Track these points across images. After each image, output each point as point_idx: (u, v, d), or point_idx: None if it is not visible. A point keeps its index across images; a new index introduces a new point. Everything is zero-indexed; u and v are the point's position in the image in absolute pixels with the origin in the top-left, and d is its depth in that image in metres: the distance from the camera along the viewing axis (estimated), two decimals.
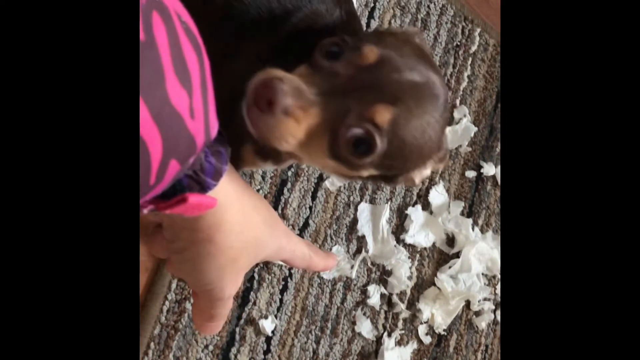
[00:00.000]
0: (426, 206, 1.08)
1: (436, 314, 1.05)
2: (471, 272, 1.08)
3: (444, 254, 1.09)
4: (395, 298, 1.02)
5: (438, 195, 1.09)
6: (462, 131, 1.12)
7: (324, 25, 0.61)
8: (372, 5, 1.07)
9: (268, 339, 0.91)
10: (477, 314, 1.11)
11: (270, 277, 0.92)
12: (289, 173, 0.95)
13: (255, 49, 0.61)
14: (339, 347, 0.97)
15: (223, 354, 0.88)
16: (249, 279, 0.90)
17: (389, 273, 1.02)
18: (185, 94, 0.34)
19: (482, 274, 1.10)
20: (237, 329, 0.89)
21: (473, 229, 1.11)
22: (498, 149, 1.18)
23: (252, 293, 0.90)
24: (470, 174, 1.14)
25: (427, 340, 1.04)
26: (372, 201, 1.03)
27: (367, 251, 1.01)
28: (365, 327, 0.99)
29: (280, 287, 0.93)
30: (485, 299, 1.10)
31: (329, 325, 0.97)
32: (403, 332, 1.03)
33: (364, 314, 1.00)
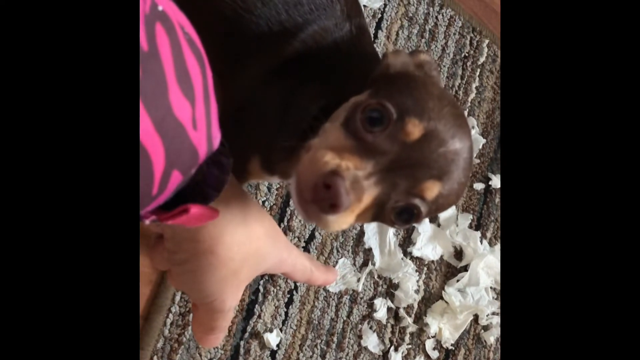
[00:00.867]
0: (434, 219, 1.07)
1: (444, 328, 1.04)
2: (479, 285, 1.06)
3: (452, 267, 1.08)
4: (402, 312, 1.01)
5: None
6: None
7: (332, 41, 0.61)
8: (379, 16, 1.07)
9: (273, 353, 0.90)
10: (486, 328, 1.09)
11: (275, 290, 0.91)
12: None
13: (262, 62, 0.61)
14: None
15: None
16: (254, 291, 0.89)
17: (396, 286, 1.01)
18: (188, 104, 0.34)
19: (491, 287, 1.09)
20: (242, 343, 0.88)
21: (481, 241, 1.09)
22: None
23: (257, 306, 0.89)
24: (479, 186, 1.13)
25: (434, 355, 1.03)
26: None
27: (373, 264, 1.00)
28: (371, 341, 0.98)
29: (286, 300, 0.92)
30: (493, 313, 1.08)
31: (335, 339, 0.96)
32: (410, 346, 1.02)
33: (371, 327, 0.99)
